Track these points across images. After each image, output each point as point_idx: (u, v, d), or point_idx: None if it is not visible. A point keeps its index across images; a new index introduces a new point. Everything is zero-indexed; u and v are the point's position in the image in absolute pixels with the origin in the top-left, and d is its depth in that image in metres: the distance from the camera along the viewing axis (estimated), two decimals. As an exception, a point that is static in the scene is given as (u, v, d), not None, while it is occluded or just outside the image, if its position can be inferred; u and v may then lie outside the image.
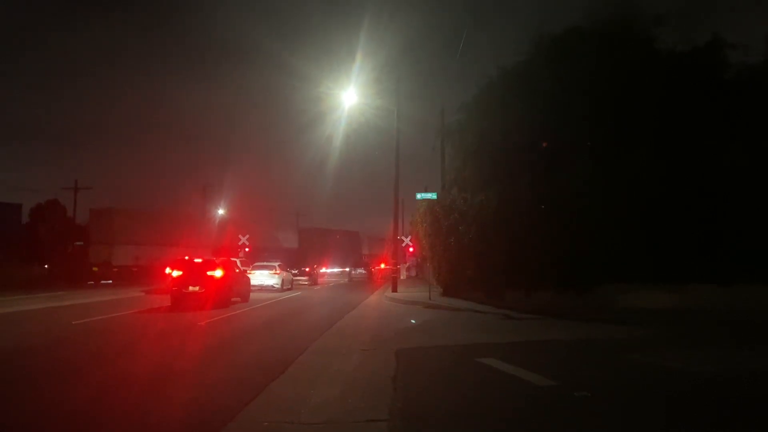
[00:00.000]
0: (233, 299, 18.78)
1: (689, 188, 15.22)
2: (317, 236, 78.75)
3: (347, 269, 50.03)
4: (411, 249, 38.89)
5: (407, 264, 45.78)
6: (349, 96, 25.32)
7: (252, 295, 21.27)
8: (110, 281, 34.04)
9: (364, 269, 47.88)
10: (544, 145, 17.33)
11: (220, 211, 52.37)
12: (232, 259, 23.07)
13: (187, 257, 18.81)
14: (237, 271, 20.61)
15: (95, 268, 35.16)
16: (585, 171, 15.79)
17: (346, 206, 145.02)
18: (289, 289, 28.76)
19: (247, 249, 38.37)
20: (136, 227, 37.27)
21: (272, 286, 27.35)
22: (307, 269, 39.41)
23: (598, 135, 16.07)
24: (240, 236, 38.47)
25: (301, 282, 35.35)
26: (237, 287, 19.32)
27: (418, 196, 23.18)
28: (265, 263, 29.61)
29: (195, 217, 45.21)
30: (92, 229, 38.56)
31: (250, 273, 25.24)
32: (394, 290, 24.53)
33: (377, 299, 22.33)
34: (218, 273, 17.59)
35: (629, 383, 6.74)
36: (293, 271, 34.06)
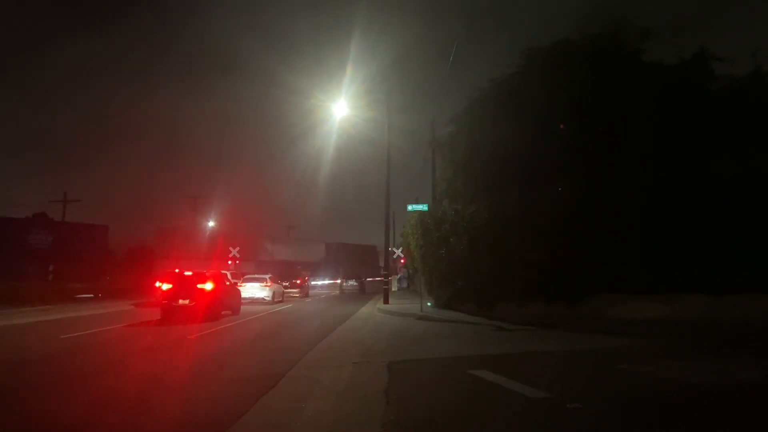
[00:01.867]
0: (224, 312, 18.65)
1: (678, 199, 15.35)
2: (341, 250, 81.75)
3: (338, 281, 49.78)
4: (402, 261, 38.93)
5: (399, 276, 45.68)
6: (340, 108, 25.39)
7: (243, 308, 21.14)
8: (97, 295, 33.69)
9: (356, 281, 47.61)
10: (534, 157, 17.42)
11: (210, 223, 52.50)
12: (222, 271, 22.95)
13: (177, 270, 18.68)
14: (227, 283, 20.49)
15: None
16: (575, 182, 15.90)
17: (338, 218, 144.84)
18: (280, 302, 28.61)
19: (237, 261, 38.48)
20: (192, 242, 44.15)
21: (263, 299, 27.20)
22: (298, 281, 39.23)
23: (588, 146, 16.18)
24: (231, 248, 38.63)
25: (292, 294, 35.16)
26: (227, 300, 19.19)
27: (409, 207, 23.16)
28: (255, 275, 29.47)
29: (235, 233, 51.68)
30: (157, 244, 45.62)
31: (240, 285, 25.11)
32: (386, 302, 24.44)
33: (369, 311, 22.24)
34: (208, 286, 17.48)
35: (622, 394, 6.73)
36: (284, 284, 33.91)
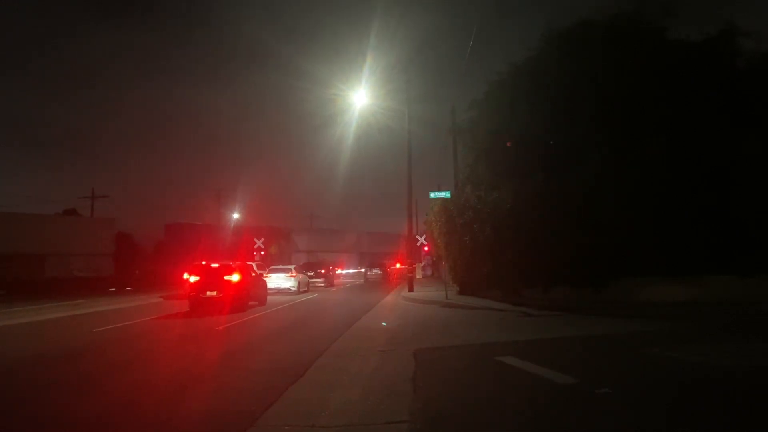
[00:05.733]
0: (250, 303, 18.87)
1: (704, 179, 15.06)
2: (367, 239, 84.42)
3: (363, 270, 49.99)
4: (426, 248, 38.89)
5: (422, 263, 45.65)
6: (359, 97, 25.35)
7: (269, 298, 21.37)
8: (129, 288, 34.42)
9: (380, 269, 47.69)
10: (556, 139, 17.21)
11: (235, 215, 53.15)
12: (248, 262, 23.20)
13: (204, 262, 18.91)
14: (253, 274, 20.72)
15: None
16: (598, 165, 15.67)
17: (359, 207, 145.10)
18: (305, 291, 28.84)
19: (262, 252, 38.90)
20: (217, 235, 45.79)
21: (288, 289, 27.45)
22: (323, 271, 39.45)
23: (610, 128, 15.94)
24: (255, 240, 39.07)
25: (317, 284, 35.41)
26: (254, 291, 19.41)
27: (432, 194, 23.12)
28: (281, 266, 29.75)
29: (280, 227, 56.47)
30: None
31: (266, 276, 25.35)
32: (411, 290, 24.47)
33: (394, 300, 22.30)
34: (235, 277, 17.68)
35: (650, 379, 6.67)
36: (309, 273, 34.14)
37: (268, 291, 22.37)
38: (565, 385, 6.34)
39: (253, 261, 29.27)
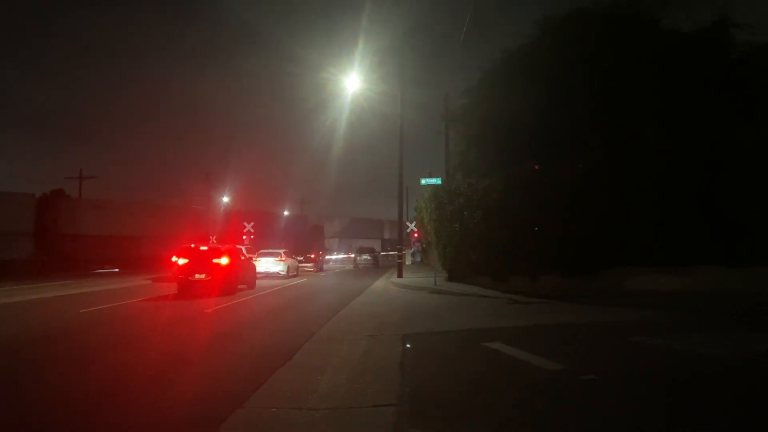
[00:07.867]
0: (239, 286, 18.84)
1: (697, 169, 15.15)
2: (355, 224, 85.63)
3: (353, 255, 50.00)
4: (416, 235, 38.93)
5: (412, 250, 45.72)
6: (352, 81, 25.15)
7: (258, 282, 21.34)
8: (116, 269, 34.23)
9: (370, 255, 47.68)
10: (548, 128, 17.21)
11: (225, 199, 52.92)
12: (238, 246, 23.13)
13: (192, 245, 18.81)
14: (242, 258, 20.65)
15: None
16: (591, 154, 15.72)
17: (351, 192, 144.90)
18: (294, 276, 28.83)
19: (252, 236, 38.81)
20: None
21: (278, 273, 27.45)
22: (313, 255, 39.43)
23: (604, 117, 15.96)
24: (245, 223, 38.93)
25: (306, 268, 35.40)
26: (243, 274, 19.36)
27: (423, 181, 23.12)
28: (270, 250, 29.70)
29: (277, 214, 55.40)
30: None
31: (255, 260, 25.29)
32: (400, 276, 24.52)
33: (383, 285, 22.35)
34: (224, 260, 17.62)
35: (637, 366, 6.73)
36: (299, 258, 34.11)
37: (258, 275, 22.34)
38: (550, 370, 6.38)
39: (243, 245, 29.19)
